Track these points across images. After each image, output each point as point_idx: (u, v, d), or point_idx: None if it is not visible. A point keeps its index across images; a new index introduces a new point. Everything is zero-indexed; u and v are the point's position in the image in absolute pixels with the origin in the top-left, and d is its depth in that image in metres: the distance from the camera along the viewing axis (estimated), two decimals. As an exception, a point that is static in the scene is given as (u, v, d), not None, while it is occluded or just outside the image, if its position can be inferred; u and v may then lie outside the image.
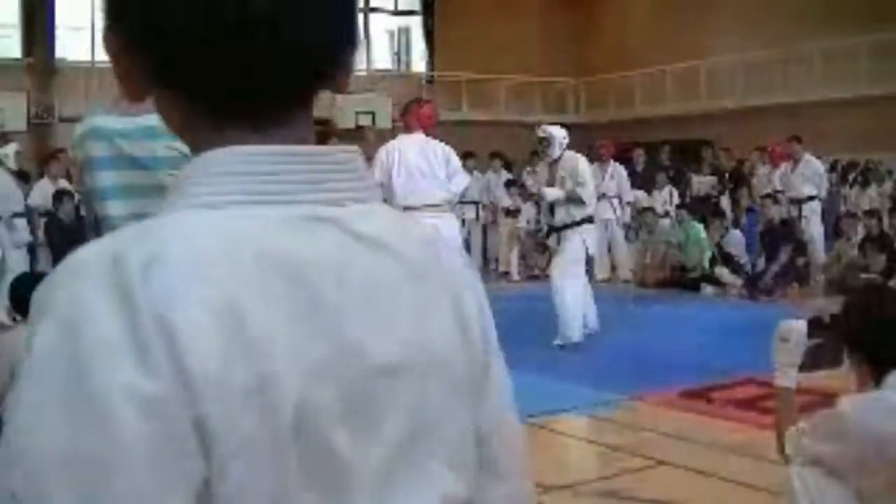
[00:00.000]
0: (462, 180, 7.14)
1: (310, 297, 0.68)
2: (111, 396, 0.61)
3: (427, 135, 6.99)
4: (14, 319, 5.31)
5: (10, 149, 10.56)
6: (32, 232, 10.72)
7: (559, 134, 7.91)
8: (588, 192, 7.77)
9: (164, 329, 0.63)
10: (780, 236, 11.03)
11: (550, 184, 7.84)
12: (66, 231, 10.39)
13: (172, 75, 0.73)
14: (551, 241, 8.06)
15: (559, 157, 7.83)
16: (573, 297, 7.66)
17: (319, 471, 0.68)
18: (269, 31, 0.69)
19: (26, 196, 10.70)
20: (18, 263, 9.62)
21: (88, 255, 0.68)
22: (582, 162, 7.91)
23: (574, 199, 7.71)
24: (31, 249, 10.70)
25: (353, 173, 0.76)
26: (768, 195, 11.96)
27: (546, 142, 7.86)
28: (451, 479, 0.76)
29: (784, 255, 10.84)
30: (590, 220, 7.92)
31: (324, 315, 0.69)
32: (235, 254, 0.67)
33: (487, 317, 0.83)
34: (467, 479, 0.78)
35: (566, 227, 7.77)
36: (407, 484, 0.73)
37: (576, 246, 7.72)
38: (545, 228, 8.37)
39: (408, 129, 7.09)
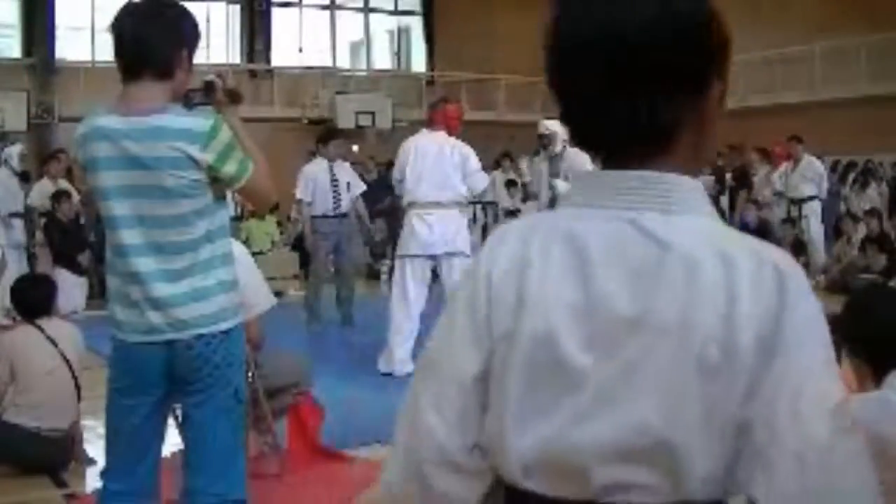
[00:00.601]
0: (481, 180, 7.10)
1: (580, 262, 1.04)
2: (459, 301, 1.12)
3: (450, 134, 6.97)
4: (14, 319, 5.32)
5: (15, 150, 10.54)
6: (32, 232, 10.69)
7: (561, 130, 7.82)
8: None
9: (488, 271, 1.10)
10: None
11: (555, 176, 7.78)
12: (65, 231, 10.38)
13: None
14: None
15: (560, 153, 7.76)
16: None
17: (553, 372, 1.03)
18: (599, 112, 1.07)
19: (26, 196, 10.68)
20: (13, 263, 9.55)
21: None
22: (586, 158, 7.83)
23: None
24: (30, 249, 10.67)
25: (669, 194, 1.05)
26: (752, 200, 11.95)
27: (547, 139, 7.78)
28: (653, 417, 0.98)
29: None
30: None
31: (586, 275, 1.03)
32: (545, 233, 1.08)
33: (784, 328, 0.98)
34: (676, 424, 0.98)
35: None
36: (619, 402, 1.00)
37: None
38: None
39: (431, 126, 7.05)
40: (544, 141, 7.81)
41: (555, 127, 7.83)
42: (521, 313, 1.05)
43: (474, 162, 6.95)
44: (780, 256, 1.02)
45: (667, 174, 1.06)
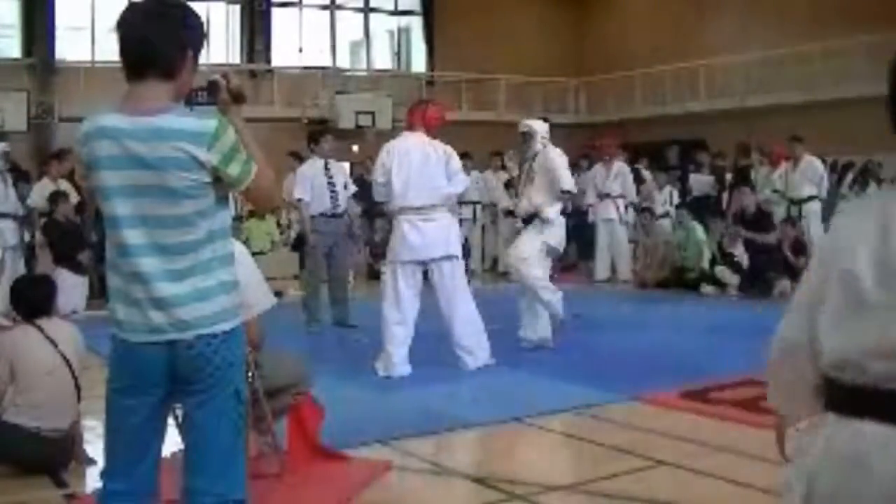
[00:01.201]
0: (462, 181, 7.09)
1: (884, 230, 1.53)
2: (815, 255, 1.75)
3: (429, 135, 6.97)
4: (14, 320, 5.31)
5: None
6: (32, 233, 10.65)
7: (541, 128, 7.78)
8: (566, 179, 7.56)
9: (829, 233, 1.70)
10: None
11: (526, 179, 7.76)
12: (63, 231, 10.38)
13: None
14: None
15: (536, 154, 7.66)
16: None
17: (853, 299, 1.54)
18: None
19: (25, 197, 10.63)
20: (7, 265, 9.46)
21: None
22: (554, 153, 7.67)
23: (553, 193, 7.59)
24: (31, 250, 10.64)
25: None
26: (750, 187, 11.97)
27: (528, 136, 7.75)
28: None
29: (745, 260, 11.07)
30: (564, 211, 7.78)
31: (885, 238, 1.53)
32: (869, 211, 1.60)
33: None
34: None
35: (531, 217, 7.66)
36: (885, 321, 1.50)
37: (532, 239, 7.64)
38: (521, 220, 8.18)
39: (411, 128, 7.06)
40: (525, 138, 7.80)
41: (534, 125, 7.80)
42: (836, 258, 1.59)
43: (456, 162, 6.95)
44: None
45: None
